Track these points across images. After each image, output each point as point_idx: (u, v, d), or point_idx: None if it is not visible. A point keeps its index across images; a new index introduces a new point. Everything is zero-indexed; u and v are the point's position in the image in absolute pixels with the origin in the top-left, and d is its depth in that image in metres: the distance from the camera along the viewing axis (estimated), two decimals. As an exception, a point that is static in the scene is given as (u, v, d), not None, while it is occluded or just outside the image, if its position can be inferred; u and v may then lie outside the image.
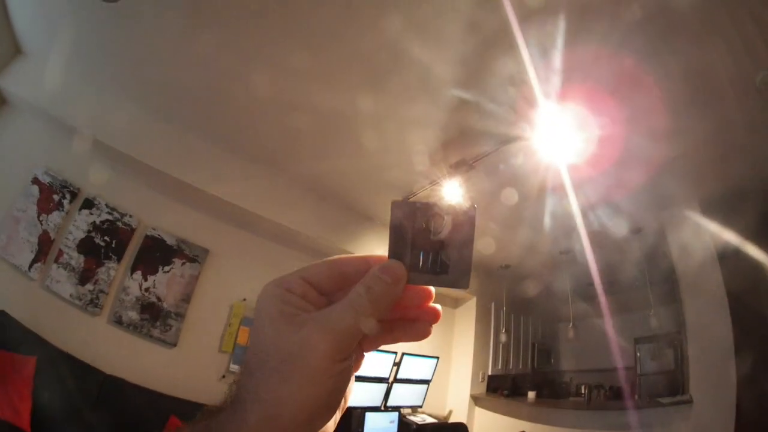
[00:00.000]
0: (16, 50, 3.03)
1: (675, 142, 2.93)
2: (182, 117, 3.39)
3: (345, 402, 0.42)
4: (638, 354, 4.70)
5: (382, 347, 0.44)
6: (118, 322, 3.29)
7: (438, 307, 0.43)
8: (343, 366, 0.37)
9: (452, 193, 3.54)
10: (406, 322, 0.43)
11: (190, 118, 3.39)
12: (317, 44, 2.45)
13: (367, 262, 0.41)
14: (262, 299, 0.39)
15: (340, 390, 0.38)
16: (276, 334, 0.37)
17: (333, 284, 0.41)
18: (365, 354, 0.44)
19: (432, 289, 0.42)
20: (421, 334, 0.43)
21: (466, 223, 0.40)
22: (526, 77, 2.40)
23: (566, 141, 2.88)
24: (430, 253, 0.40)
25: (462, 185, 3.49)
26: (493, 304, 5.66)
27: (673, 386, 3.96)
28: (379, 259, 0.41)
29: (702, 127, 2.83)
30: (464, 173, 3.31)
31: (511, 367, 5.60)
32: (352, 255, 0.42)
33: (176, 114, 3.37)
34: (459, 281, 0.40)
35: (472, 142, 3.10)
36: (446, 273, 0.40)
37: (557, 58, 2.30)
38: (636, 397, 4.23)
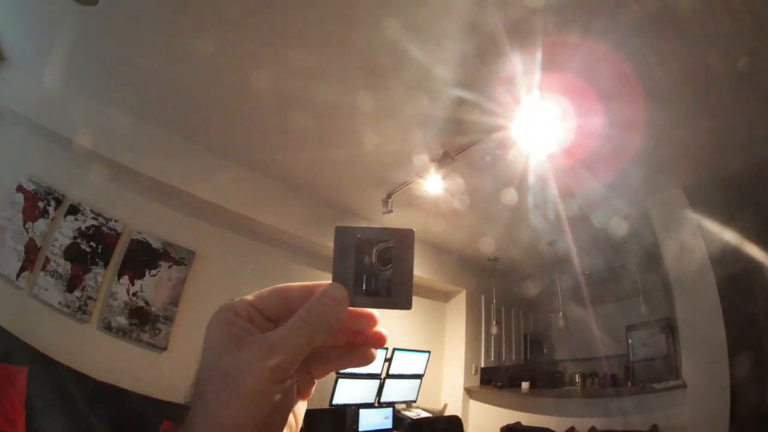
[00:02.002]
0: (-1, 57, 3.00)
1: (658, 130, 2.95)
2: (165, 119, 3.37)
3: (297, 425, 0.43)
4: (630, 341, 4.75)
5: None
6: (108, 328, 3.25)
7: (384, 331, 0.44)
8: (283, 387, 0.37)
9: (436, 186, 3.55)
10: (353, 348, 0.44)
11: (173, 121, 3.37)
12: (303, 39, 2.44)
13: (311, 289, 0.42)
14: (210, 323, 0.40)
15: (282, 411, 0.39)
16: (219, 355, 0.37)
17: (279, 310, 0.42)
18: (315, 380, 0.45)
19: (377, 314, 0.43)
20: (366, 359, 0.44)
21: (406, 246, 0.42)
22: (508, 68, 2.42)
23: (549, 131, 2.90)
24: (373, 277, 0.42)
25: (445, 178, 3.50)
26: (483, 297, 5.68)
27: (666, 371, 4.01)
28: (323, 285, 0.42)
29: (688, 115, 2.85)
30: (447, 166, 3.32)
31: (504, 358, 5.65)
32: (298, 283, 0.43)
33: (159, 117, 3.35)
34: (401, 302, 0.41)
35: (454, 135, 3.11)
36: (389, 295, 0.41)
37: (538, 49, 2.31)
38: (630, 383, 4.26)
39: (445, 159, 3.26)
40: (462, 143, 3.14)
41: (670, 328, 4.04)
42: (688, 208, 3.55)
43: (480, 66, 2.49)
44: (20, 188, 3.05)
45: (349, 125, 3.09)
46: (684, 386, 3.39)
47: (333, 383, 4.08)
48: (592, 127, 2.88)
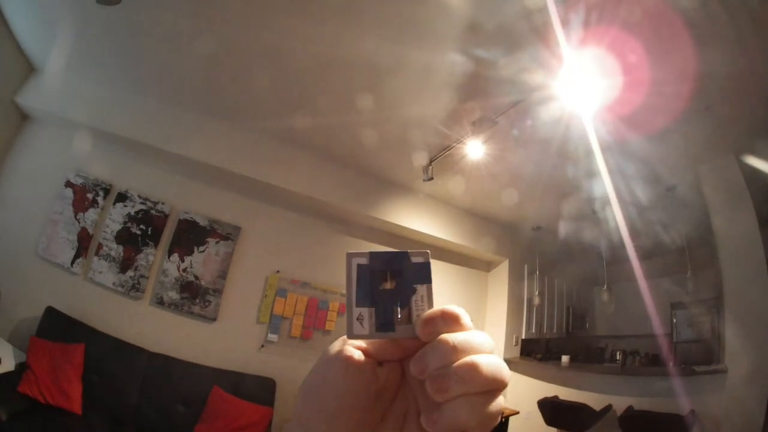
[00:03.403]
0: (29, 68, 3.23)
1: (708, 88, 2.66)
2: (199, 102, 3.49)
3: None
4: (674, 320, 4.53)
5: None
6: (160, 302, 3.57)
7: None
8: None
9: (476, 151, 3.46)
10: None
11: (207, 102, 3.48)
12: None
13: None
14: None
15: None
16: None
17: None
18: None
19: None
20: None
21: None
22: (550, 24, 2.27)
23: (592, 89, 2.68)
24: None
25: (486, 143, 3.39)
26: (525, 267, 5.55)
27: (708, 354, 3.82)
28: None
29: (738, 69, 2.54)
30: (488, 130, 3.19)
31: (545, 331, 5.53)
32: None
33: (193, 99, 3.47)
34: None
35: (495, 97, 2.92)
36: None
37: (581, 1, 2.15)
38: (671, 364, 4.09)
39: (486, 122, 3.11)
40: (503, 104, 2.96)
41: (716, 309, 3.80)
42: (741, 176, 3.25)
43: (521, 21, 2.33)
44: (68, 183, 3.36)
45: (387, 90, 3.00)
46: (725, 371, 3.23)
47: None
48: (638, 84, 2.64)
